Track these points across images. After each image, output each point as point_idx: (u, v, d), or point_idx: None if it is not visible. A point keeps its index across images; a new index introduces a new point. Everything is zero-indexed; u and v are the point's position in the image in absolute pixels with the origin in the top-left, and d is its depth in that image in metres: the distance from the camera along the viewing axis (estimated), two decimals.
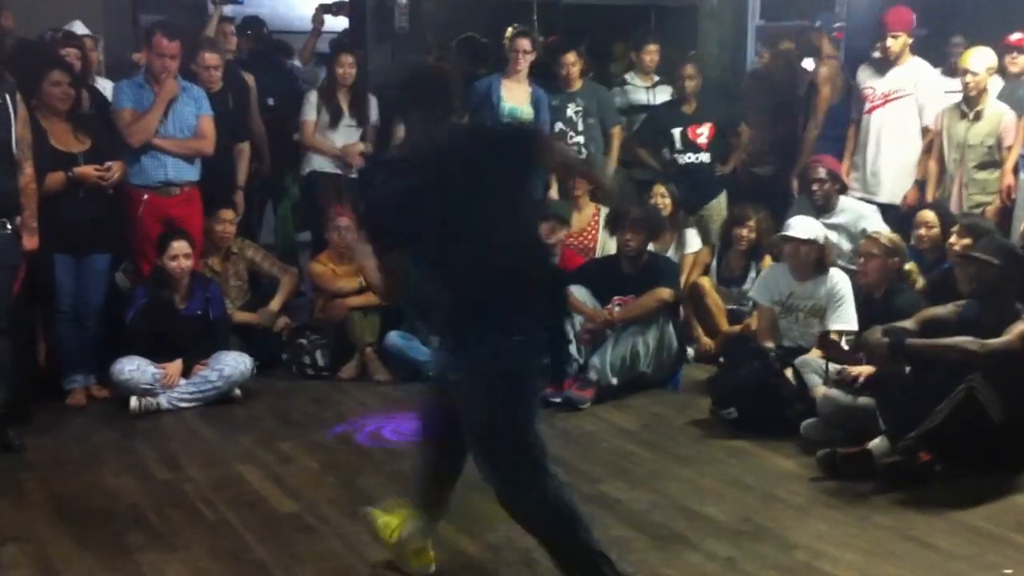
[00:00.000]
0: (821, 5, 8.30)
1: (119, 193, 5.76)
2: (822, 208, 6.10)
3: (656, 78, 7.38)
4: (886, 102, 6.46)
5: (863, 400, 4.76)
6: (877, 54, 6.57)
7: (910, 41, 6.44)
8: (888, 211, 6.31)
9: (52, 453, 4.97)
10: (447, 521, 4.09)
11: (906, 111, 6.45)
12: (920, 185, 6.43)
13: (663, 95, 7.29)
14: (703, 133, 6.97)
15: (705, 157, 6.96)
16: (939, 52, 6.81)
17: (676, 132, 6.98)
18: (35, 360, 5.64)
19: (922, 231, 5.72)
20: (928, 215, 5.79)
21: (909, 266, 5.40)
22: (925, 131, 6.44)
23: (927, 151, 6.42)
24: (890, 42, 6.39)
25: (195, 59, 6.31)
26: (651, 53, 7.36)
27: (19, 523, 4.18)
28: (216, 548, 3.93)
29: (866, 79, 6.57)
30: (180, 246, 5.67)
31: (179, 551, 3.91)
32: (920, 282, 5.44)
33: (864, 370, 4.83)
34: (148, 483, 4.60)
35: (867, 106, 6.53)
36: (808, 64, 7.34)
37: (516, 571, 3.73)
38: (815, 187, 6.15)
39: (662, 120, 7.09)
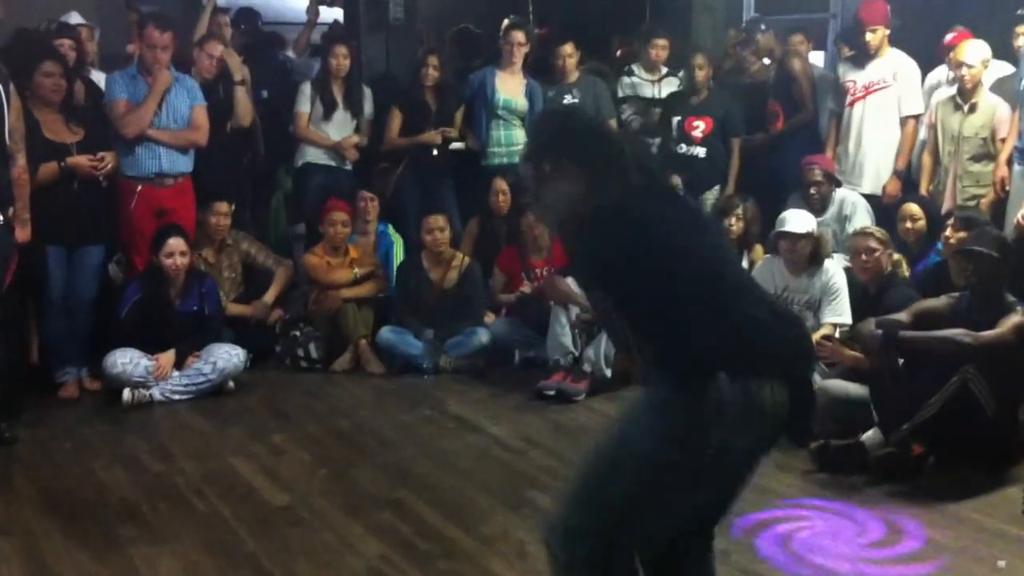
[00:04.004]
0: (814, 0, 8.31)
1: (112, 185, 5.75)
2: (818, 209, 6.10)
3: (664, 71, 7.26)
4: (867, 94, 6.48)
5: (857, 392, 4.75)
6: (850, 52, 6.61)
7: (888, 32, 6.46)
8: (869, 201, 6.33)
9: (43, 446, 4.95)
10: (441, 515, 4.11)
11: (887, 102, 6.46)
12: (900, 176, 6.44)
13: (669, 88, 7.19)
14: (699, 127, 6.92)
15: (699, 151, 6.90)
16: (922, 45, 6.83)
17: (675, 121, 6.94)
18: (27, 352, 5.62)
19: (908, 224, 5.74)
20: (913, 208, 5.80)
21: (896, 256, 5.40)
22: (904, 121, 6.45)
23: (915, 142, 6.45)
24: (869, 36, 6.41)
25: (199, 46, 6.29)
26: (658, 48, 7.17)
27: (9, 516, 4.16)
28: (208, 541, 3.91)
29: (846, 72, 6.59)
30: (176, 243, 5.64)
31: (170, 544, 3.89)
32: (906, 271, 5.45)
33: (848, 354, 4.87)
34: (140, 476, 4.58)
35: (848, 99, 6.55)
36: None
37: (510, 563, 3.72)
38: (812, 190, 6.15)
39: (668, 108, 7.05)
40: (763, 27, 7.38)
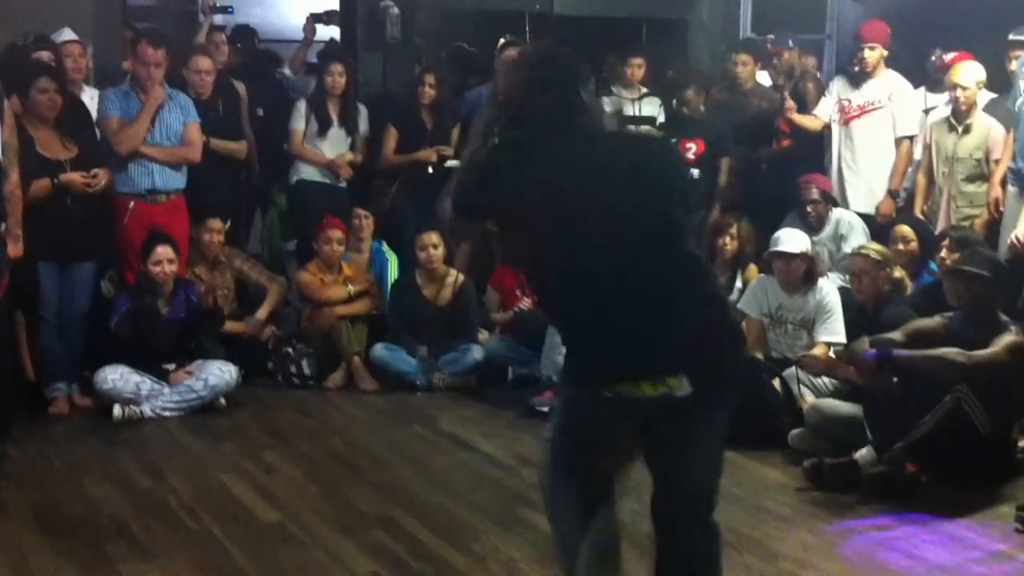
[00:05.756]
0: (810, 20, 8.33)
1: (105, 201, 5.74)
2: (814, 227, 6.11)
3: (643, 90, 7.33)
4: (862, 114, 6.51)
5: (850, 410, 4.75)
6: (857, 68, 6.62)
7: (885, 54, 6.48)
8: (864, 221, 6.34)
9: (33, 462, 4.92)
10: (433, 533, 4.09)
11: (881, 123, 6.49)
12: (893, 196, 6.47)
13: (649, 107, 7.24)
14: (691, 148, 6.95)
15: (693, 172, 6.89)
16: (917, 67, 6.85)
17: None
18: (17, 368, 5.59)
19: (900, 246, 5.76)
20: (905, 230, 5.83)
21: (899, 273, 5.40)
22: (899, 142, 6.48)
23: (910, 163, 6.47)
24: (866, 53, 6.44)
25: (186, 65, 6.30)
26: (634, 67, 7.25)
27: None
28: (198, 559, 3.89)
29: (842, 91, 6.61)
30: (164, 251, 5.65)
31: (160, 562, 3.87)
32: (909, 288, 5.46)
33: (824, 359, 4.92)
34: (130, 493, 4.55)
35: (843, 118, 6.57)
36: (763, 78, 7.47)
37: None
38: (809, 208, 6.16)
39: (667, 130, 7.08)
40: (791, 43, 7.38)
